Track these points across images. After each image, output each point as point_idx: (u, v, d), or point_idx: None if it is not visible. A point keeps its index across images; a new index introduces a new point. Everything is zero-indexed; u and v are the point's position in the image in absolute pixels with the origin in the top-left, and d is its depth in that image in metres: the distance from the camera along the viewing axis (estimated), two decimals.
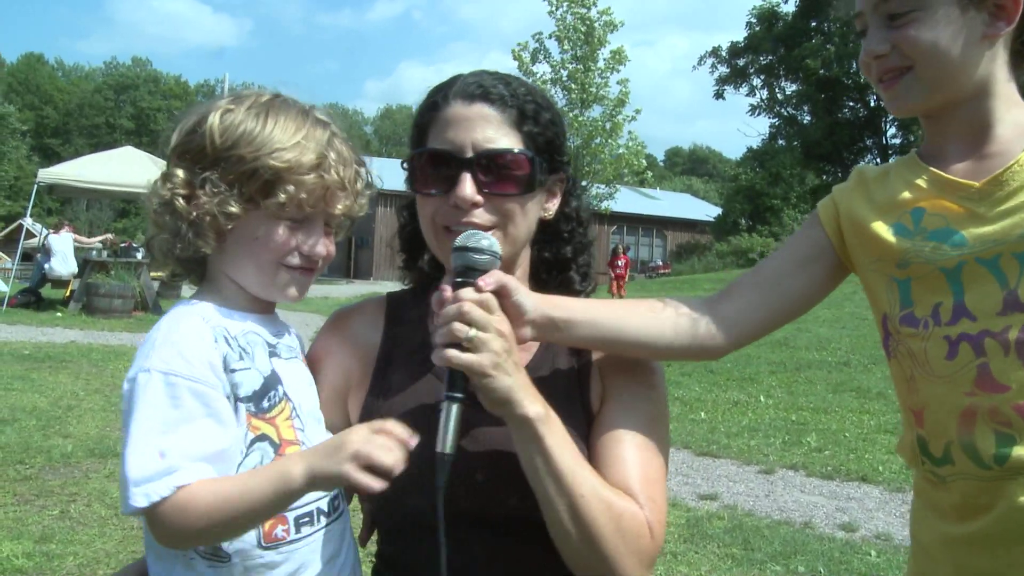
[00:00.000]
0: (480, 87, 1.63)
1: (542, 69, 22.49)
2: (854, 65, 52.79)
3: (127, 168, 18.62)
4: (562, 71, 22.28)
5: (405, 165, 1.67)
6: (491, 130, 1.61)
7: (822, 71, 51.62)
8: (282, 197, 1.54)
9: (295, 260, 1.61)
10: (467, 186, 1.58)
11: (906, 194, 1.66)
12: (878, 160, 54.90)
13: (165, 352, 1.46)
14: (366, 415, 1.66)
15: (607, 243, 43.56)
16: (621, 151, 21.61)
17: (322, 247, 1.64)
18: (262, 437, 1.53)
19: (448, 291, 1.46)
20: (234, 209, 1.53)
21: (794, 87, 57.14)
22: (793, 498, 6.88)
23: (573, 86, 22.04)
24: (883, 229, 1.66)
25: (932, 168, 1.65)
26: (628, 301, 1.79)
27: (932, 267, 1.59)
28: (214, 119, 1.56)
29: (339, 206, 1.63)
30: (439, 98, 1.64)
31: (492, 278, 1.49)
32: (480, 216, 1.60)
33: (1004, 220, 1.54)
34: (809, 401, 10.66)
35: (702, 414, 10.00)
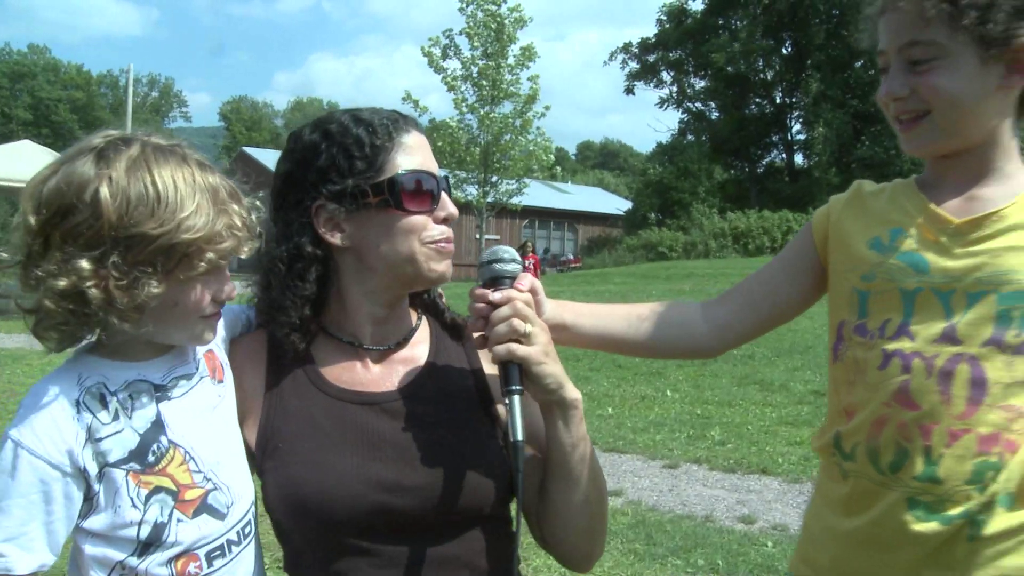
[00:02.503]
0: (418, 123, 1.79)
1: (453, 65, 22.53)
2: (760, 62, 54.31)
3: (25, 163, 17.95)
4: (472, 68, 22.28)
5: (370, 186, 1.68)
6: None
7: (729, 68, 52.59)
8: (202, 267, 1.51)
9: (210, 309, 1.59)
10: (451, 203, 1.76)
11: (893, 213, 1.77)
12: (784, 155, 56.25)
13: (23, 420, 1.48)
14: (265, 440, 1.70)
15: (518, 238, 43.74)
16: (531, 148, 21.66)
17: (231, 288, 1.63)
18: (156, 490, 1.53)
19: (496, 295, 1.63)
20: (156, 290, 1.46)
21: (703, 83, 58.15)
22: (696, 492, 7.03)
23: (484, 83, 22.06)
24: (861, 240, 1.77)
25: (923, 196, 1.75)
26: (630, 305, 1.99)
27: (893, 286, 1.70)
28: (103, 193, 1.43)
29: (245, 250, 1.61)
30: (394, 126, 1.71)
31: (527, 281, 1.67)
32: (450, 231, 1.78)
33: (967, 260, 1.64)
34: (714, 395, 10.85)
35: (609, 409, 10.13)
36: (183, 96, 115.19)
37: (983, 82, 1.63)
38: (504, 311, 1.60)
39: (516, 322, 1.59)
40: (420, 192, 1.69)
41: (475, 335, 1.71)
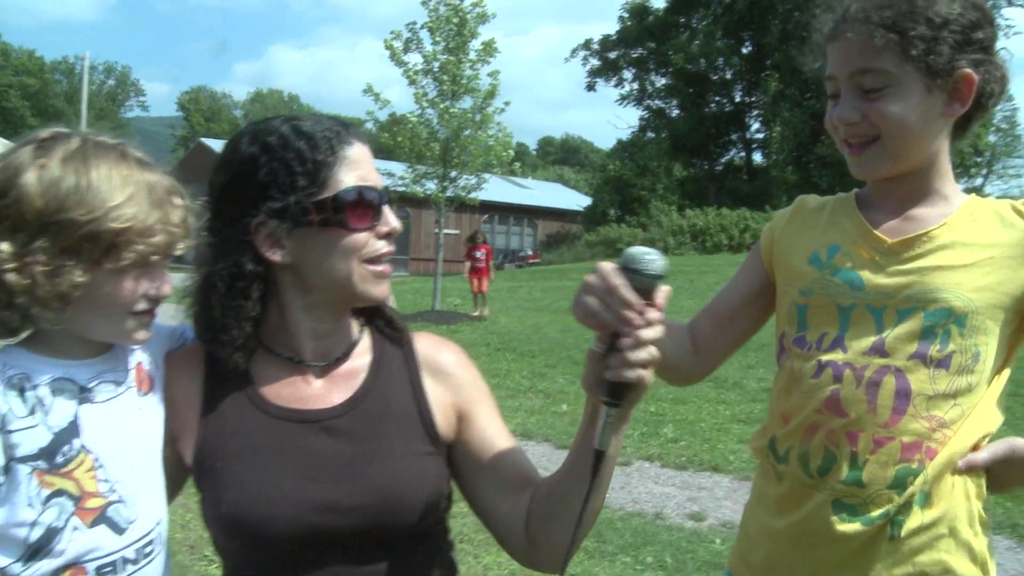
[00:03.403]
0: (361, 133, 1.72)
1: (414, 59, 22.33)
2: (720, 61, 54.61)
3: None
4: (434, 62, 22.17)
5: (313, 203, 1.61)
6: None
7: (689, 66, 52.85)
8: (130, 258, 1.50)
9: (143, 306, 1.56)
10: (393, 217, 1.70)
11: (831, 230, 1.87)
12: (743, 153, 56.67)
13: None
14: (202, 458, 1.67)
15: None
16: (490, 142, 21.58)
17: (167, 287, 1.60)
18: (59, 492, 1.48)
19: (651, 313, 1.42)
20: (81, 279, 1.46)
21: (663, 81, 58.37)
22: (647, 489, 7.10)
23: (445, 77, 21.96)
24: (800, 256, 1.88)
25: (861, 215, 1.84)
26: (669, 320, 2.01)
27: (830, 301, 1.80)
28: (30, 180, 1.45)
29: (180, 248, 1.59)
30: (336, 138, 1.64)
31: (665, 298, 1.47)
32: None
33: (899, 278, 1.74)
34: (668, 391, 10.78)
35: (564, 406, 10.16)
36: (140, 85, 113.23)
37: (929, 109, 1.71)
38: (652, 334, 1.43)
39: (654, 350, 1.43)
40: (363, 208, 1.64)
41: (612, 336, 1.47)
